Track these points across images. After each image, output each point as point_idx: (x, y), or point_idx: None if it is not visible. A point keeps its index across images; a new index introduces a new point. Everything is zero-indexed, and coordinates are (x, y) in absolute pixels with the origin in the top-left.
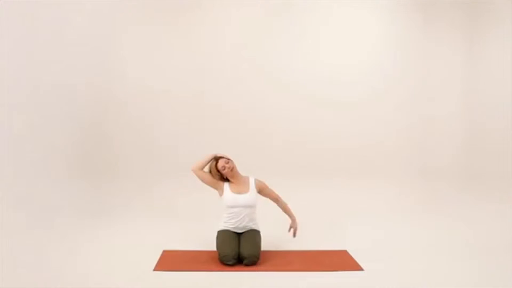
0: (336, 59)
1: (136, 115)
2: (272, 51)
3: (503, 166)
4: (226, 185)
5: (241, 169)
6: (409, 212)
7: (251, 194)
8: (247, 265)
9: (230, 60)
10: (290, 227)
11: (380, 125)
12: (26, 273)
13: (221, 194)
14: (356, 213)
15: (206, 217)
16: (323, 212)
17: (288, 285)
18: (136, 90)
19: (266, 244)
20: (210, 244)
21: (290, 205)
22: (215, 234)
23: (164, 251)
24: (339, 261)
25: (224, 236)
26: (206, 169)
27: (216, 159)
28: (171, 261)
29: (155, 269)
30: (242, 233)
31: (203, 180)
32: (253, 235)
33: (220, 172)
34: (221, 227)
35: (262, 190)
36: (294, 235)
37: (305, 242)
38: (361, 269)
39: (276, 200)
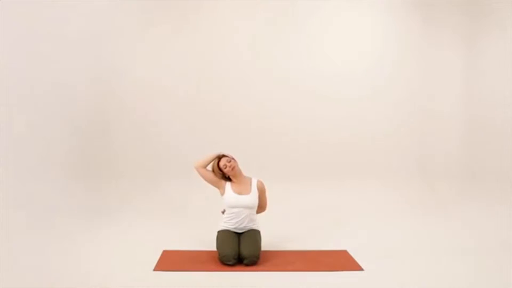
0: (338, 58)
1: (136, 114)
2: (276, 49)
3: (503, 165)
4: (227, 184)
5: (242, 168)
6: (409, 212)
7: (252, 195)
8: (247, 265)
9: (232, 58)
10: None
11: (380, 124)
12: (26, 273)
13: (222, 193)
14: (356, 212)
15: (206, 217)
16: (323, 211)
17: (288, 285)
18: (137, 89)
19: (266, 244)
20: (210, 244)
21: (289, 205)
22: (215, 234)
23: (164, 251)
24: (339, 261)
25: (224, 236)
26: (209, 167)
27: (219, 157)
28: (171, 261)
29: (155, 269)
30: (242, 233)
31: (205, 178)
32: (253, 235)
33: (222, 171)
34: (221, 227)
35: (260, 194)
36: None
37: (305, 242)
38: (361, 269)
39: (260, 208)
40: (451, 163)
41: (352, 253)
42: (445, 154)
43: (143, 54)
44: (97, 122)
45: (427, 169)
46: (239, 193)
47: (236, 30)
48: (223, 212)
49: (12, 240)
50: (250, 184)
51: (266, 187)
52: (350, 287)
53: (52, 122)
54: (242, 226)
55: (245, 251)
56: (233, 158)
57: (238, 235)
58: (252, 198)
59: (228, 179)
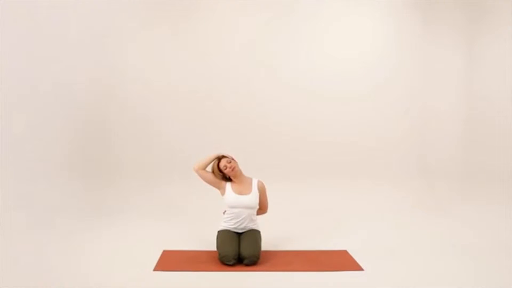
0: (338, 57)
1: (136, 115)
2: (276, 50)
3: (504, 164)
4: (228, 185)
5: (242, 168)
6: (409, 211)
7: (253, 196)
8: (247, 265)
9: (233, 58)
10: None
11: (380, 123)
12: (26, 274)
13: (223, 193)
14: (356, 212)
15: (206, 217)
16: (323, 211)
17: (288, 285)
18: (137, 89)
19: (266, 244)
20: (210, 244)
21: (289, 205)
22: (215, 234)
23: (164, 251)
24: (339, 261)
25: (224, 236)
26: (209, 168)
27: (219, 158)
28: (171, 261)
29: (155, 269)
30: (242, 233)
31: (205, 180)
32: (253, 235)
33: (222, 172)
34: (221, 227)
35: (260, 194)
36: None
37: (305, 242)
38: (361, 269)
39: (261, 209)
40: (451, 163)
41: (352, 253)
42: (445, 153)
43: (143, 54)
44: (97, 122)
45: (428, 169)
46: (240, 193)
47: (236, 30)
48: (224, 213)
49: (11, 240)
50: (251, 184)
51: (266, 188)
52: (350, 287)
53: (52, 122)
54: (242, 226)
55: (245, 251)
56: (233, 159)
57: (238, 235)
58: (252, 198)
59: (228, 179)
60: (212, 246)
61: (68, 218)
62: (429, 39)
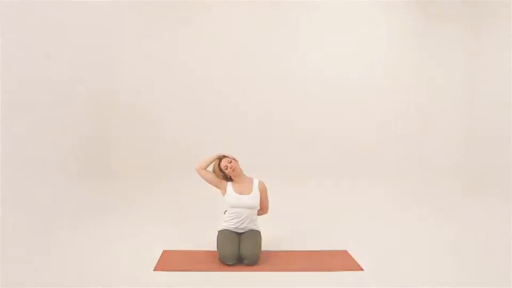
0: (339, 59)
1: (136, 115)
2: (275, 48)
3: (505, 164)
4: (229, 184)
5: (242, 167)
6: (410, 211)
7: (254, 196)
8: (247, 265)
9: (233, 58)
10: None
11: (381, 124)
12: (26, 273)
13: (224, 193)
14: (357, 212)
15: (206, 217)
16: (323, 211)
17: (288, 285)
18: (137, 90)
19: (266, 244)
20: (210, 244)
21: (289, 204)
22: (215, 234)
23: (164, 251)
24: (340, 261)
25: (224, 236)
26: (210, 168)
27: (220, 158)
28: (171, 261)
29: (155, 269)
30: (243, 233)
31: (206, 180)
32: (254, 235)
33: (223, 172)
34: (222, 227)
35: (261, 194)
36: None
37: (305, 242)
38: (361, 269)
39: (262, 210)
40: (453, 162)
41: (352, 253)
42: (447, 152)
43: (142, 53)
44: (97, 122)
45: (429, 168)
46: (241, 193)
47: (236, 30)
48: (225, 213)
49: (10, 240)
50: (252, 184)
51: (267, 188)
52: (350, 287)
53: (52, 122)
54: (242, 226)
55: (246, 251)
56: (234, 159)
57: (239, 235)
58: (253, 198)
59: (229, 179)
60: (212, 246)
61: (68, 218)
62: (431, 39)
